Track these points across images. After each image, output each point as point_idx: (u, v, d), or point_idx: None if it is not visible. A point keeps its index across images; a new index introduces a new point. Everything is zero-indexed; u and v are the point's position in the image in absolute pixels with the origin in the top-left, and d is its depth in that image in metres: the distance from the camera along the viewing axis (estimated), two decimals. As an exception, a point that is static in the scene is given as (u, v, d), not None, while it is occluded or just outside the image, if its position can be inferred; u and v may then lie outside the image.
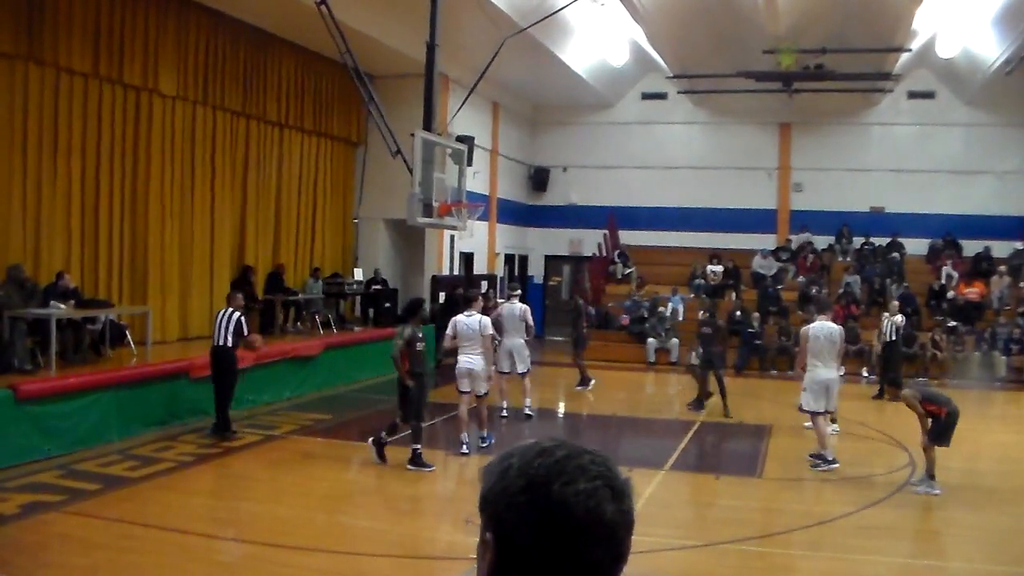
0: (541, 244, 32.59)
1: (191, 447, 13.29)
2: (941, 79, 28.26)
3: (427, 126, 16.99)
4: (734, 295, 26.81)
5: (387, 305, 23.60)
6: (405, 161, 16.74)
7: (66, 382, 12.95)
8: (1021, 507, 11.46)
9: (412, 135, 16.34)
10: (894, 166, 28.74)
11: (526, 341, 16.74)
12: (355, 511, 11.01)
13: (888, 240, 28.48)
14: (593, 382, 20.05)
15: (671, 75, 28.04)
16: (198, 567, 8.74)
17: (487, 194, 27.30)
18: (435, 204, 16.68)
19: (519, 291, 17.59)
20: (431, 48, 17.17)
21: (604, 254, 30.43)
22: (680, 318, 26.16)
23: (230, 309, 14.02)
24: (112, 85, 16.87)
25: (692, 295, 27.59)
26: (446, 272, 24.94)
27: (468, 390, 13.54)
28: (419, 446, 12.35)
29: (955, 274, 26.43)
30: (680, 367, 23.49)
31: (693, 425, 16.35)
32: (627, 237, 30.85)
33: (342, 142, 24.47)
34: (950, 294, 25.74)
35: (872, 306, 25.41)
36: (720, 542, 9.74)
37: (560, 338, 30.51)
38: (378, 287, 23.68)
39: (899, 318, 19.92)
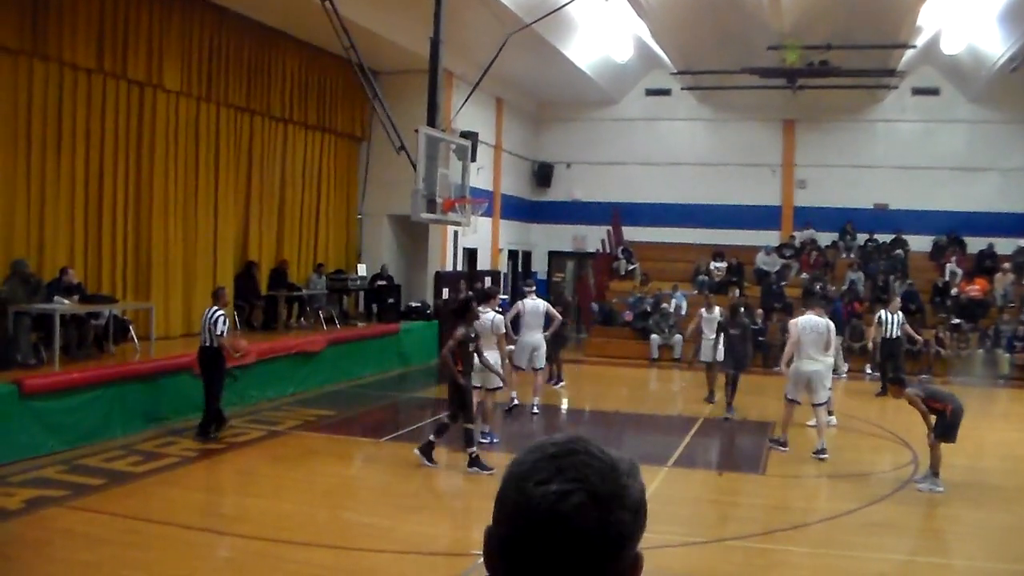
0: (545, 240, 32.60)
1: (195, 443, 13.28)
2: (946, 76, 28.23)
3: (431, 122, 16.99)
4: (737, 291, 26.77)
5: (391, 301, 23.61)
6: (409, 157, 16.74)
7: (70, 377, 12.95)
8: (1024, 504, 11.46)
9: (416, 131, 16.34)
10: (898, 163, 28.71)
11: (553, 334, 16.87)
12: (358, 507, 11.02)
13: (892, 237, 28.46)
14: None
15: (675, 71, 28.08)
16: (202, 563, 8.76)
17: (491, 190, 27.28)
18: (439, 200, 16.67)
19: (535, 287, 17.56)
20: (435, 44, 17.16)
21: (608, 250, 30.41)
22: (683, 314, 26.14)
23: (214, 307, 13.67)
24: (116, 80, 16.86)
25: (696, 291, 27.58)
26: (449, 268, 24.93)
27: (479, 385, 13.51)
28: (474, 449, 12.17)
29: (959, 271, 26.40)
30: (683, 363, 23.48)
31: (696, 421, 16.34)
32: (630, 233, 30.84)
33: (346, 138, 24.46)
34: (953, 291, 25.71)
35: (876, 303, 25.39)
36: (724, 539, 9.75)
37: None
38: (382, 283, 23.67)
39: (898, 316, 19.88)
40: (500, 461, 11.56)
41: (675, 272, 28.43)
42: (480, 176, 24.84)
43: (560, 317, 17.44)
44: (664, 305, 26.15)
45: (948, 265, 26.70)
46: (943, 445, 11.55)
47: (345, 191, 24.65)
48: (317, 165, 23.29)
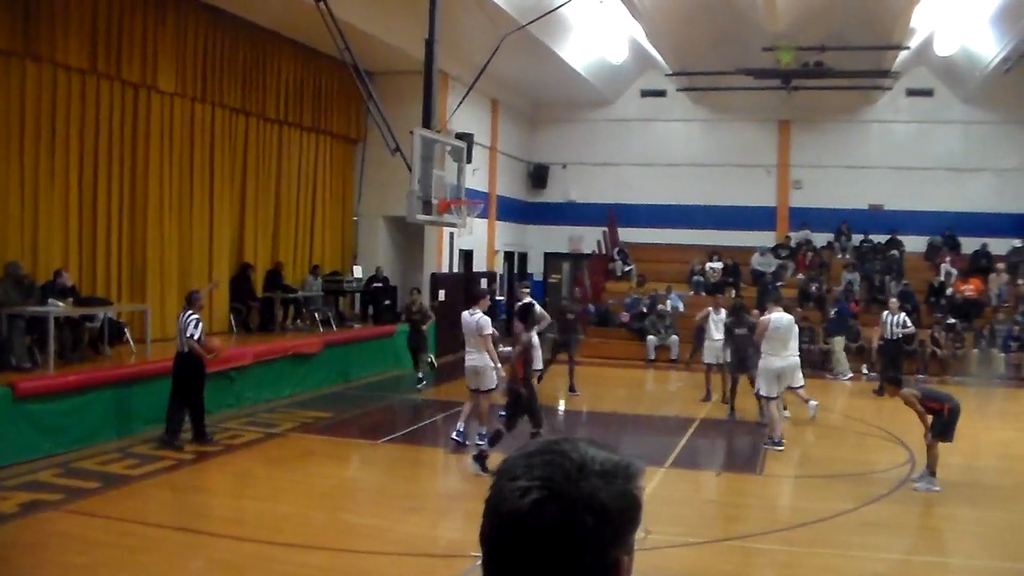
0: (541, 241, 32.60)
1: (192, 445, 13.25)
2: (939, 77, 28.28)
3: (426, 123, 16.96)
4: (733, 292, 26.77)
5: (387, 303, 23.59)
6: (404, 158, 16.70)
7: (65, 380, 12.93)
8: (1021, 503, 11.46)
9: (411, 132, 16.30)
10: (893, 163, 28.75)
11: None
12: (356, 508, 11.00)
13: (887, 237, 28.49)
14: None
15: (670, 72, 28.08)
16: (198, 565, 8.74)
17: (486, 191, 27.28)
18: (435, 201, 16.64)
19: (529, 288, 17.50)
20: (430, 45, 17.13)
21: (603, 251, 30.41)
22: (681, 311, 26.16)
23: (188, 311, 13.39)
24: (110, 82, 16.83)
25: (692, 292, 27.61)
26: (445, 270, 24.91)
27: (475, 387, 13.50)
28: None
29: (954, 271, 26.42)
30: (680, 364, 23.49)
31: (694, 422, 16.34)
32: (626, 234, 30.85)
33: (341, 139, 24.45)
34: (948, 291, 25.73)
35: (872, 303, 25.38)
36: (722, 539, 9.74)
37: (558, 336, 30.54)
38: (378, 284, 23.65)
39: (902, 316, 19.92)
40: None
41: (671, 273, 28.43)
42: (475, 177, 24.85)
43: (548, 317, 17.14)
44: (660, 306, 26.14)
45: (943, 265, 26.71)
46: (940, 445, 11.56)
47: (340, 193, 24.64)
48: (312, 167, 23.26)
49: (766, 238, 29.52)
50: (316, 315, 21.43)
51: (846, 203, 29.10)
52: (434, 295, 23.92)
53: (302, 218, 22.94)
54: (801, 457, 13.72)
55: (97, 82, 16.58)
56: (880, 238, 28.68)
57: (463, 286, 24.04)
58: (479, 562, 1.60)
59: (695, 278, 28.05)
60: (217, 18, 18.93)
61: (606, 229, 30.60)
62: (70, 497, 10.40)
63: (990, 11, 21.37)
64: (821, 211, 29.27)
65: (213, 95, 19.18)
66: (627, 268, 29.47)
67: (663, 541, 9.02)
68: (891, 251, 28.06)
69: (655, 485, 11.63)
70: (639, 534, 1.57)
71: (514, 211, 30.85)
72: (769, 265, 28.21)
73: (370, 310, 23.78)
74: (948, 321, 24.11)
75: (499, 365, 13.78)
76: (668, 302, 26.32)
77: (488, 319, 13.71)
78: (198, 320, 13.16)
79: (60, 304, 14.21)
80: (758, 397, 14.84)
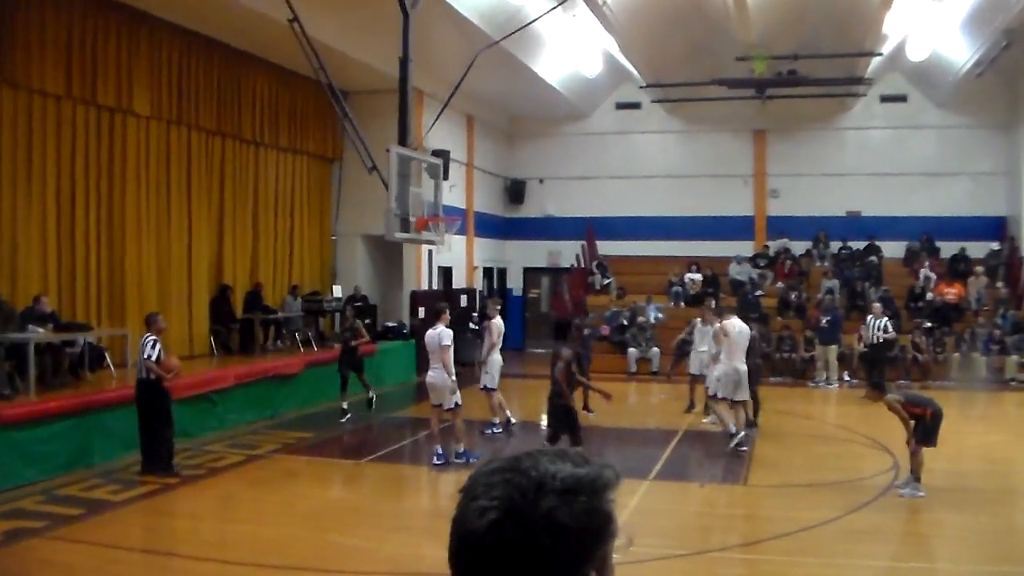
0: (519, 256, 32.58)
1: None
2: (913, 82, 28.47)
3: (402, 141, 17.00)
4: (713, 303, 26.79)
5: (367, 321, 23.53)
6: (381, 177, 16.73)
7: (46, 407, 12.84)
8: (1006, 507, 11.53)
9: (388, 150, 16.34)
10: (869, 170, 28.89)
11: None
12: (341, 529, 10.95)
13: (865, 244, 28.58)
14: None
15: (644, 84, 28.17)
16: (184, 590, 8.70)
17: (464, 208, 27.29)
18: (412, 219, 16.67)
19: (499, 305, 17.48)
20: (404, 63, 17.18)
21: (583, 265, 30.43)
22: (660, 318, 26.22)
23: (147, 334, 12.87)
24: (86, 106, 16.82)
25: (672, 303, 27.65)
26: (425, 287, 24.90)
27: (437, 404, 13.49)
28: None
29: (932, 276, 26.52)
30: (662, 376, 23.51)
31: (676, 434, 16.34)
32: (605, 247, 30.89)
33: (318, 159, 24.44)
34: (928, 296, 25.83)
35: (852, 310, 25.47)
36: (707, 550, 9.74)
37: (540, 350, 30.53)
38: (358, 304, 23.60)
39: (883, 321, 20.01)
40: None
41: (650, 285, 28.41)
42: (453, 194, 24.88)
43: (493, 339, 16.45)
44: (641, 318, 26.16)
45: (922, 270, 26.82)
46: (924, 450, 11.60)
47: (318, 212, 24.63)
48: (290, 187, 23.25)
49: (745, 248, 29.57)
50: (296, 335, 21.40)
51: (824, 211, 29.20)
52: (414, 312, 23.90)
53: (280, 238, 22.92)
54: (785, 466, 13.73)
55: (73, 107, 16.57)
56: (858, 245, 28.75)
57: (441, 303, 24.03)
58: None
59: (674, 289, 28.08)
60: (191, 41, 18.93)
61: (585, 243, 30.61)
62: (54, 524, 10.33)
63: (961, 16, 21.53)
64: (799, 219, 29.35)
65: (189, 117, 19.17)
66: (606, 281, 29.48)
67: (648, 554, 9.01)
68: (869, 257, 28.18)
69: (639, 497, 11.64)
70: (621, 542, 1.56)
71: (492, 227, 30.87)
72: (745, 273, 28.28)
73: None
74: (925, 325, 24.23)
75: (454, 378, 13.70)
76: (649, 313, 26.36)
77: (449, 332, 13.59)
78: (155, 341, 12.72)
79: (40, 330, 14.15)
80: (712, 399, 15.30)
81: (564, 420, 12.13)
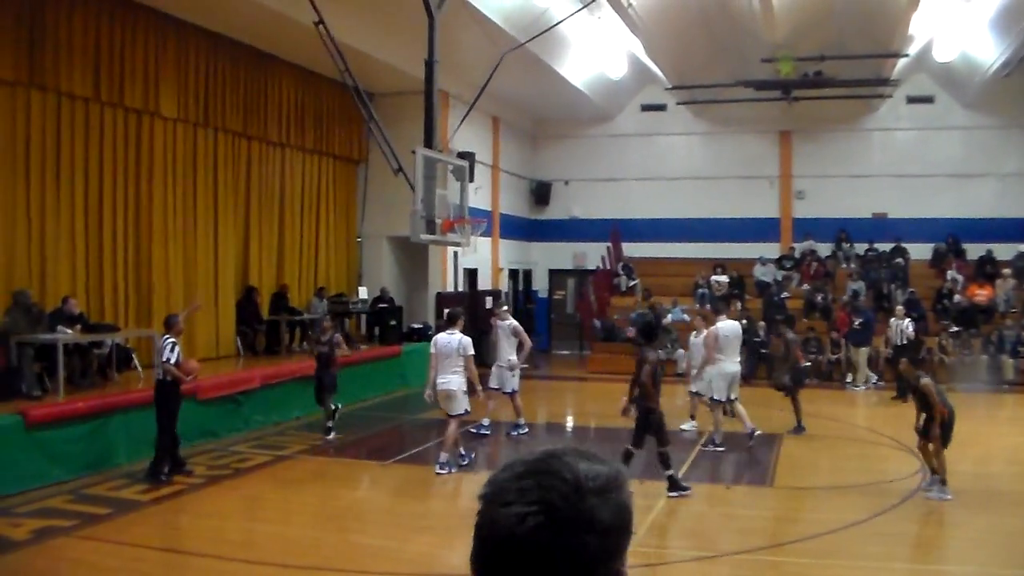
0: (545, 258, 32.59)
1: (200, 468, 13.25)
2: (939, 83, 28.31)
3: (428, 143, 17.01)
4: (739, 304, 26.73)
5: (392, 323, 23.61)
6: (407, 178, 16.76)
7: (74, 407, 12.94)
8: (1034, 509, 11.44)
9: (413, 152, 16.36)
10: (895, 171, 28.74)
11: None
12: (366, 530, 10.98)
13: (892, 246, 28.42)
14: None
15: (670, 86, 28.12)
16: (211, 589, 8.74)
17: (489, 209, 27.32)
18: (438, 221, 16.68)
19: (506, 307, 17.42)
20: (430, 65, 17.20)
21: (608, 267, 30.40)
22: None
23: (165, 336, 12.88)
24: (113, 109, 16.94)
25: (697, 305, 27.57)
26: (450, 289, 24.93)
27: (447, 410, 13.44)
28: (671, 471, 11.93)
29: (960, 278, 26.36)
30: (687, 377, 23.40)
31: (703, 436, 16.29)
32: (630, 249, 30.86)
33: (343, 160, 24.52)
34: (956, 298, 25.66)
35: (878, 312, 25.34)
36: (733, 552, 9.70)
37: (566, 352, 30.57)
38: (384, 305, 23.68)
39: (907, 323, 19.93)
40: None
41: (676, 287, 28.36)
42: (478, 196, 24.89)
43: (529, 341, 16.76)
44: (666, 320, 26.10)
45: (950, 272, 26.67)
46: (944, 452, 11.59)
47: (344, 214, 24.70)
48: (315, 189, 23.34)
49: (770, 249, 29.48)
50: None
51: (849, 212, 29.07)
52: (439, 314, 23.91)
53: (306, 240, 23.00)
54: (812, 468, 13.69)
55: (101, 110, 16.69)
56: (885, 246, 28.61)
57: (468, 305, 24.05)
58: None
59: (700, 291, 28.00)
60: (217, 43, 19.03)
61: (610, 244, 30.58)
62: (82, 523, 10.41)
63: (989, 15, 21.39)
64: (825, 221, 29.23)
65: (215, 120, 19.28)
66: (632, 283, 29.45)
67: (675, 556, 9.01)
68: (896, 259, 28.03)
69: (665, 499, 11.61)
70: None
71: (517, 228, 30.89)
72: (769, 274, 28.20)
73: (376, 331, 23.78)
74: (952, 329, 24.08)
75: (479, 387, 13.69)
76: (670, 316, 26.29)
77: (470, 340, 13.45)
78: (174, 344, 12.75)
79: (68, 331, 14.25)
80: (714, 403, 15.45)
81: (650, 423, 12.05)
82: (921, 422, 11.82)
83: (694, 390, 16.28)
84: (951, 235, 28.13)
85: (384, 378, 20.96)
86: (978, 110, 27.95)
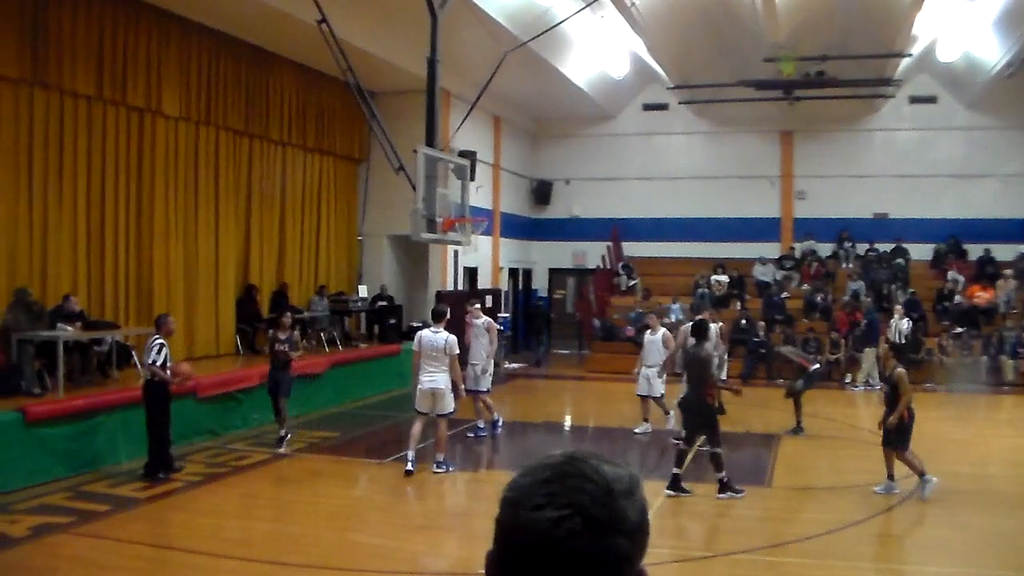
0: (545, 257, 32.59)
1: (199, 467, 13.28)
2: (942, 83, 28.29)
3: (429, 142, 17.03)
4: (739, 304, 26.74)
5: (392, 321, 23.61)
6: (408, 177, 16.78)
7: (74, 404, 12.95)
8: (1032, 511, 11.45)
9: (415, 151, 16.37)
10: (897, 171, 28.73)
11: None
12: (364, 528, 10.98)
13: (892, 246, 28.41)
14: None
15: (672, 86, 28.14)
16: (208, 587, 8.75)
17: (490, 208, 27.32)
18: (439, 219, 16.69)
19: (478, 304, 17.18)
20: (432, 64, 17.22)
21: (608, 266, 30.39)
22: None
23: (154, 336, 12.72)
24: (116, 107, 16.96)
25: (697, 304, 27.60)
26: (451, 287, 24.93)
27: (426, 411, 13.15)
28: (724, 474, 11.91)
29: (961, 278, 26.35)
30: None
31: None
32: (630, 248, 30.87)
33: (345, 159, 24.52)
34: (957, 298, 25.65)
35: (879, 312, 25.34)
36: (730, 552, 9.71)
37: (565, 351, 30.55)
38: (384, 303, 23.69)
39: (905, 322, 19.92)
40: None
41: (676, 286, 28.33)
42: (479, 195, 24.90)
43: (496, 341, 16.58)
44: (666, 319, 26.08)
45: (950, 272, 26.67)
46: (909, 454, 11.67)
47: (345, 212, 24.71)
48: (316, 187, 23.35)
49: (771, 249, 29.49)
50: (322, 335, 21.47)
51: (850, 212, 29.07)
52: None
53: (307, 238, 23.02)
54: (810, 468, 13.69)
55: (104, 108, 16.72)
56: (886, 247, 28.60)
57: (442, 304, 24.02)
58: None
59: (699, 291, 27.98)
60: (220, 42, 19.04)
61: (610, 244, 30.58)
62: (80, 520, 10.42)
63: (993, 15, 21.37)
64: (826, 221, 29.23)
65: (217, 118, 19.29)
66: (632, 282, 29.45)
67: (673, 556, 9.02)
68: (896, 259, 28.02)
69: (663, 499, 11.62)
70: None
71: (518, 228, 30.89)
72: (769, 274, 28.20)
73: (376, 329, 23.79)
74: (954, 331, 24.07)
75: (462, 386, 13.62)
76: (671, 315, 26.26)
77: (455, 338, 13.25)
78: (162, 345, 12.56)
79: (69, 328, 14.26)
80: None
81: (704, 420, 12.07)
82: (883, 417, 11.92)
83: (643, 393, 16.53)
84: (952, 236, 28.13)
85: (383, 377, 20.95)
86: (981, 111, 27.93)
